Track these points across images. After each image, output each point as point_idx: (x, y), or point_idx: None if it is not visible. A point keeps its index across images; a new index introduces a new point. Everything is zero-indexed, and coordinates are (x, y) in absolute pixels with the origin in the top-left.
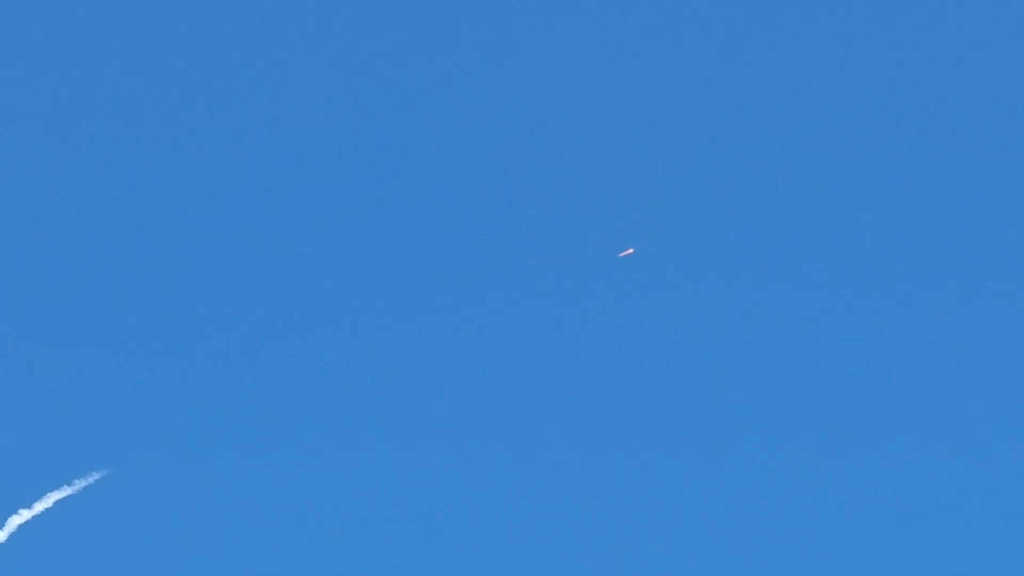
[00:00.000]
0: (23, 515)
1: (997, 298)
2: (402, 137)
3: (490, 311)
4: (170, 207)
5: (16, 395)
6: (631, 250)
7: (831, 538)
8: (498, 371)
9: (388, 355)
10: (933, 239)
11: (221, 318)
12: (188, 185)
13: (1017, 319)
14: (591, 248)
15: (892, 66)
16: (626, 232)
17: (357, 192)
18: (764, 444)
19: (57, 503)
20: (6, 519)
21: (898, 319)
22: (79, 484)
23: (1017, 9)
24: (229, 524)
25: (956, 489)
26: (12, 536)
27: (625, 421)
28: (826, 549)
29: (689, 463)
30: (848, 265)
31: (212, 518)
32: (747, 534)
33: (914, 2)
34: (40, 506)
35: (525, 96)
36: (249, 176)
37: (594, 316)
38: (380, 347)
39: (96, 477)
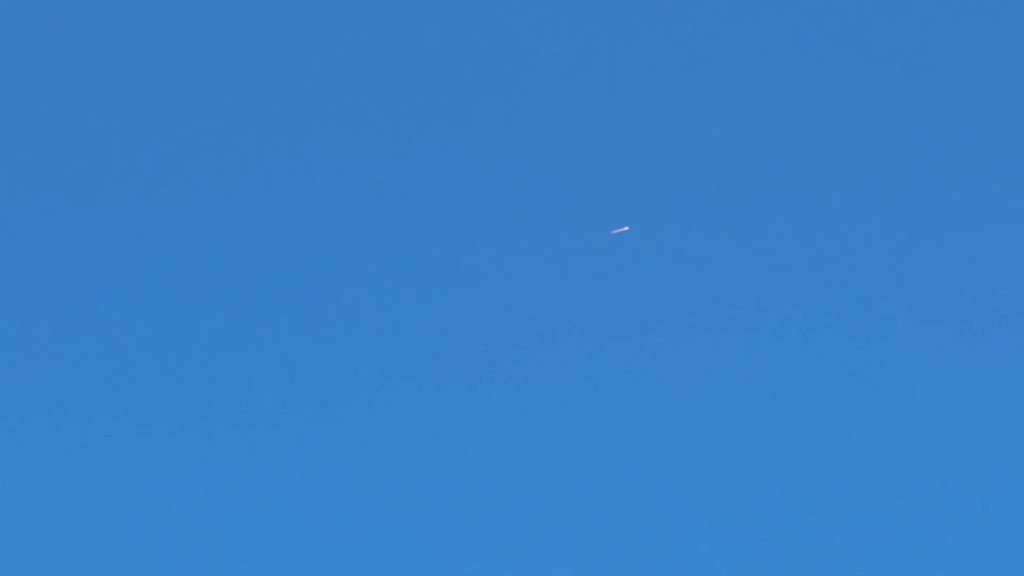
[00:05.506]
0: None
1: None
2: (390, 130)
3: (482, 292)
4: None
5: None
6: (626, 228)
7: (833, 546)
8: (492, 355)
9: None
10: (943, 235)
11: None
12: None
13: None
14: (584, 225)
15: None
16: (621, 211)
17: (342, 191)
18: (764, 442)
19: None
20: None
21: (903, 315)
22: None
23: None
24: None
25: (958, 496)
26: None
27: (619, 411)
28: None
29: (688, 460)
30: (845, 255)
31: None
32: (743, 539)
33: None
34: None
35: (519, 84)
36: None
37: (588, 294)
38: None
39: None
